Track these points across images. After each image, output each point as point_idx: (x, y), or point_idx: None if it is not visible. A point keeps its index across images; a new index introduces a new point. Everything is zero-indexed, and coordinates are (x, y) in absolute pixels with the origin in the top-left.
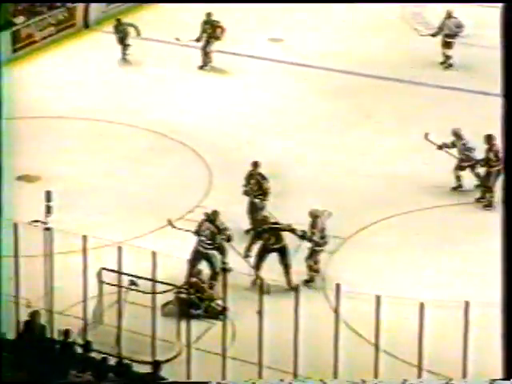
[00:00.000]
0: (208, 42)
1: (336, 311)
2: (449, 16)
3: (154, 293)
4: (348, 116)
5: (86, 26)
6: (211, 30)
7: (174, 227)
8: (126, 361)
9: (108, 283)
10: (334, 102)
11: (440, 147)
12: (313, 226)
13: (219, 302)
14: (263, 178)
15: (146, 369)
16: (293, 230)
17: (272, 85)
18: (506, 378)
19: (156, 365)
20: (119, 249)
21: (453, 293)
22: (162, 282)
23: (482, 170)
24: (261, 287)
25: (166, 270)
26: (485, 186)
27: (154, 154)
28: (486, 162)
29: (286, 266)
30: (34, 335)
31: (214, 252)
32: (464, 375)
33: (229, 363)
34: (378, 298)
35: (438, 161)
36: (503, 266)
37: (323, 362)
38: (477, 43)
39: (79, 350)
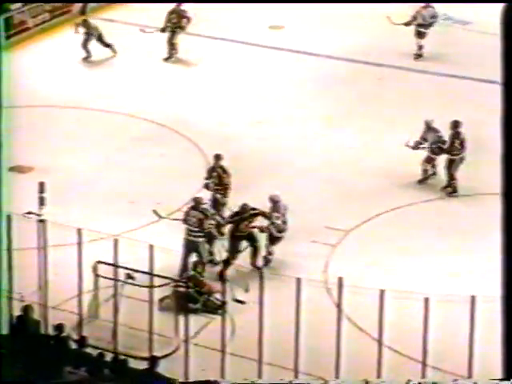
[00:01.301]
0: (174, 33)
1: (338, 306)
2: (426, 6)
3: (151, 287)
4: (350, 104)
5: (82, 12)
6: (177, 20)
7: (160, 217)
8: (123, 357)
9: (104, 277)
10: (335, 91)
11: (415, 147)
12: (274, 210)
13: (218, 296)
14: (224, 171)
15: (143, 365)
16: (265, 215)
17: (272, 73)
18: (506, 378)
19: (153, 361)
20: (115, 241)
21: (458, 287)
22: (159, 276)
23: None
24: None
25: (163, 263)
26: (448, 173)
27: (151, 144)
28: (450, 148)
29: (256, 249)
30: (27, 330)
31: (202, 240)
32: (470, 372)
33: (228, 359)
34: (381, 293)
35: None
36: (503, 262)
37: (325, 359)
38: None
39: (74, 346)
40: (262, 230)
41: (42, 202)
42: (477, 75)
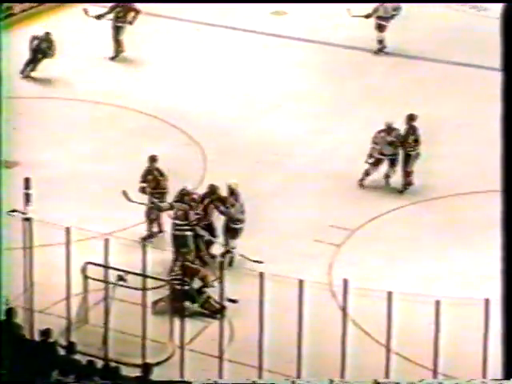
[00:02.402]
0: (119, 28)
1: (343, 309)
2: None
3: (144, 289)
4: (356, 95)
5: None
6: (123, 14)
7: (130, 200)
8: (114, 364)
9: (94, 279)
10: (339, 81)
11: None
12: (231, 198)
13: (216, 299)
14: (161, 174)
15: (136, 372)
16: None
17: (273, 61)
18: (506, 378)
19: (146, 368)
20: (106, 241)
21: (468, 290)
22: (153, 277)
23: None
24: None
25: (157, 264)
26: (404, 170)
27: (145, 137)
28: (403, 143)
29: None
30: (10, 336)
31: (190, 234)
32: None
33: (226, 366)
34: (389, 295)
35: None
36: (503, 264)
37: (329, 366)
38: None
39: (62, 352)
40: (222, 212)
41: (27, 199)
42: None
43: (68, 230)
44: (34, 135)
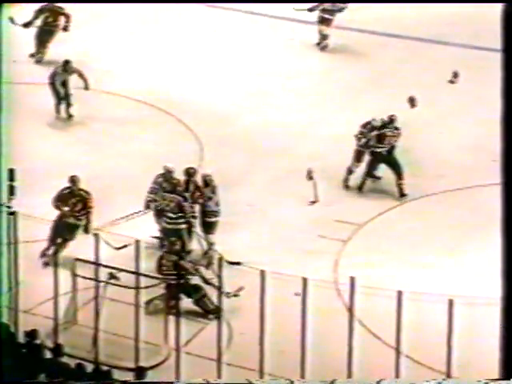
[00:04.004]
0: (47, 32)
1: (350, 309)
2: None
3: (137, 288)
4: (363, 82)
5: None
6: (53, 19)
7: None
8: (105, 367)
9: (83, 277)
10: (346, 66)
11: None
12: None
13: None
14: (87, 193)
15: (129, 376)
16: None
17: (274, 45)
18: (506, 378)
19: (140, 372)
20: (96, 236)
21: (480, 288)
22: (146, 275)
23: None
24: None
25: (151, 261)
26: (370, 175)
27: (137, 125)
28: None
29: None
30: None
31: (185, 227)
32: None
33: (225, 369)
34: (399, 294)
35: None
36: (503, 264)
37: (335, 368)
38: None
39: (49, 355)
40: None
41: (11, 191)
42: None
43: None
44: (17, 122)
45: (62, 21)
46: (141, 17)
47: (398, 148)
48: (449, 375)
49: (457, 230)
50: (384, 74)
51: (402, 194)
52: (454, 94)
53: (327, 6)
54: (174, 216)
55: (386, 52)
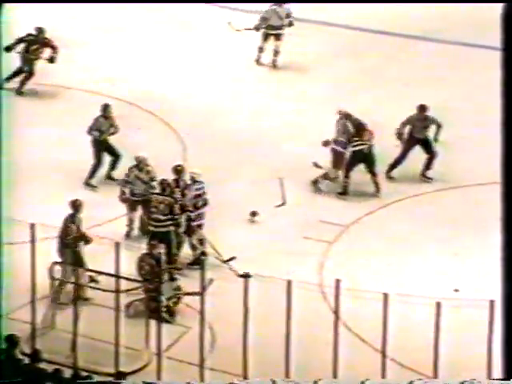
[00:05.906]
0: (28, 60)
1: (335, 312)
2: (279, 3)
3: (117, 291)
4: (353, 80)
5: None
6: (35, 48)
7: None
8: (84, 373)
9: (62, 280)
10: (338, 64)
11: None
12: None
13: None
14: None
15: (108, 382)
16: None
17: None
18: (506, 378)
19: (120, 377)
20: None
21: (470, 290)
22: (127, 279)
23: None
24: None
25: (132, 264)
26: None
27: (119, 125)
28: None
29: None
30: None
31: (173, 229)
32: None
33: (207, 375)
34: (385, 296)
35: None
36: (503, 264)
37: (320, 372)
38: None
39: (26, 361)
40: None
41: None
42: None
43: (33, 227)
44: None
45: (45, 53)
46: (122, 17)
47: (388, 147)
48: (435, 377)
49: (444, 231)
50: (376, 72)
51: (378, 190)
52: (442, 90)
53: (273, 22)
54: (162, 218)
55: (379, 50)
